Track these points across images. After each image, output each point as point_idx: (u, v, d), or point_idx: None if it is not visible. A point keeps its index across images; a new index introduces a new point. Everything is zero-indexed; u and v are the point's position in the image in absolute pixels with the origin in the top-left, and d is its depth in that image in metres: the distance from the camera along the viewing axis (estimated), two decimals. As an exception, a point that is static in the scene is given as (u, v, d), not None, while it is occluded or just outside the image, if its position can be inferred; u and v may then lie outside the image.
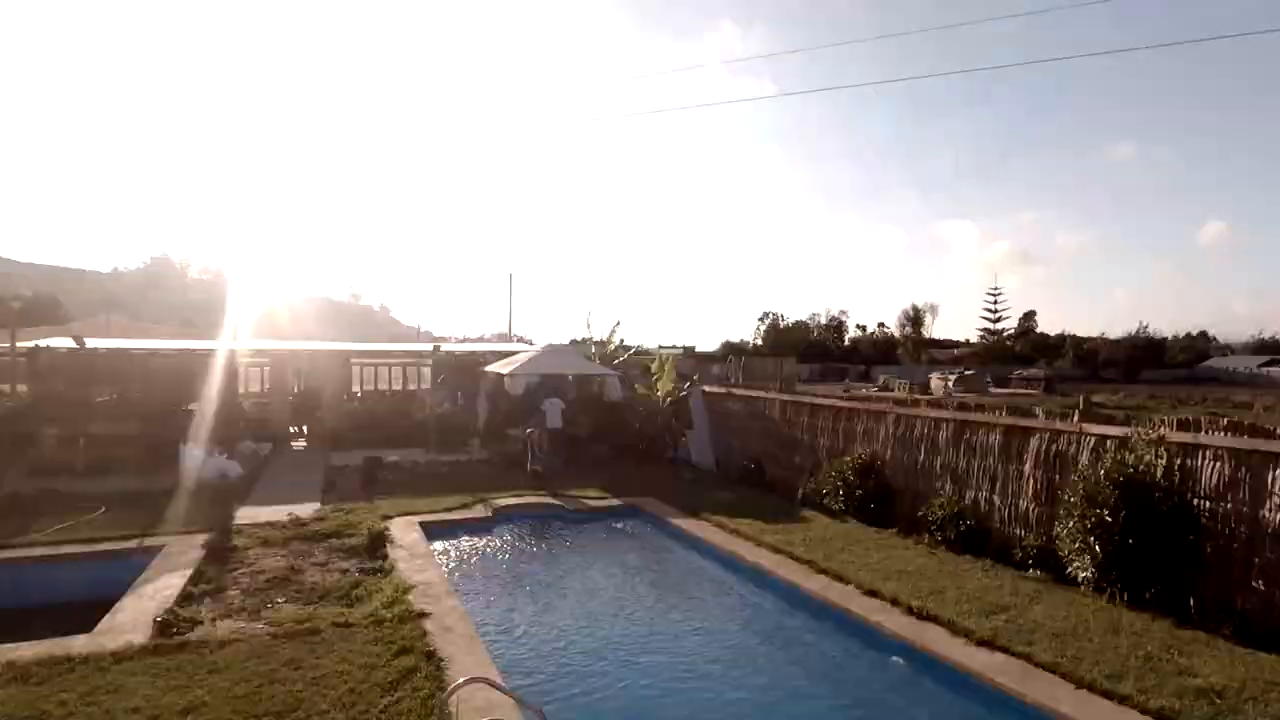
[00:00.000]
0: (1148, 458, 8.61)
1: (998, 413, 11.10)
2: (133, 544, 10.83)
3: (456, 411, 23.12)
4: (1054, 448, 10.04)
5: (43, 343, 19.25)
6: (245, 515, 12.51)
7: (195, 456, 15.94)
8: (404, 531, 11.64)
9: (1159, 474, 8.49)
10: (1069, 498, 8.93)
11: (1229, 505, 8.09)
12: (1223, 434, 8.33)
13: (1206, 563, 8.19)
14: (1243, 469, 7.99)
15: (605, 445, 19.01)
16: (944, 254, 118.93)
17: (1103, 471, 8.67)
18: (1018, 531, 10.38)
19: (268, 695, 6.25)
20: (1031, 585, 9.04)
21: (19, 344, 19.40)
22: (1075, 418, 9.89)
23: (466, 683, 5.08)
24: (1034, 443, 10.31)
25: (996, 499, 10.81)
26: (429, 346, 25.45)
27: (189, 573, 9.44)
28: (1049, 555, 9.58)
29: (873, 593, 8.75)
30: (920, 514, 11.34)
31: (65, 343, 19.63)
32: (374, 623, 7.87)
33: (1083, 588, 8.81)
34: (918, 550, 10.56)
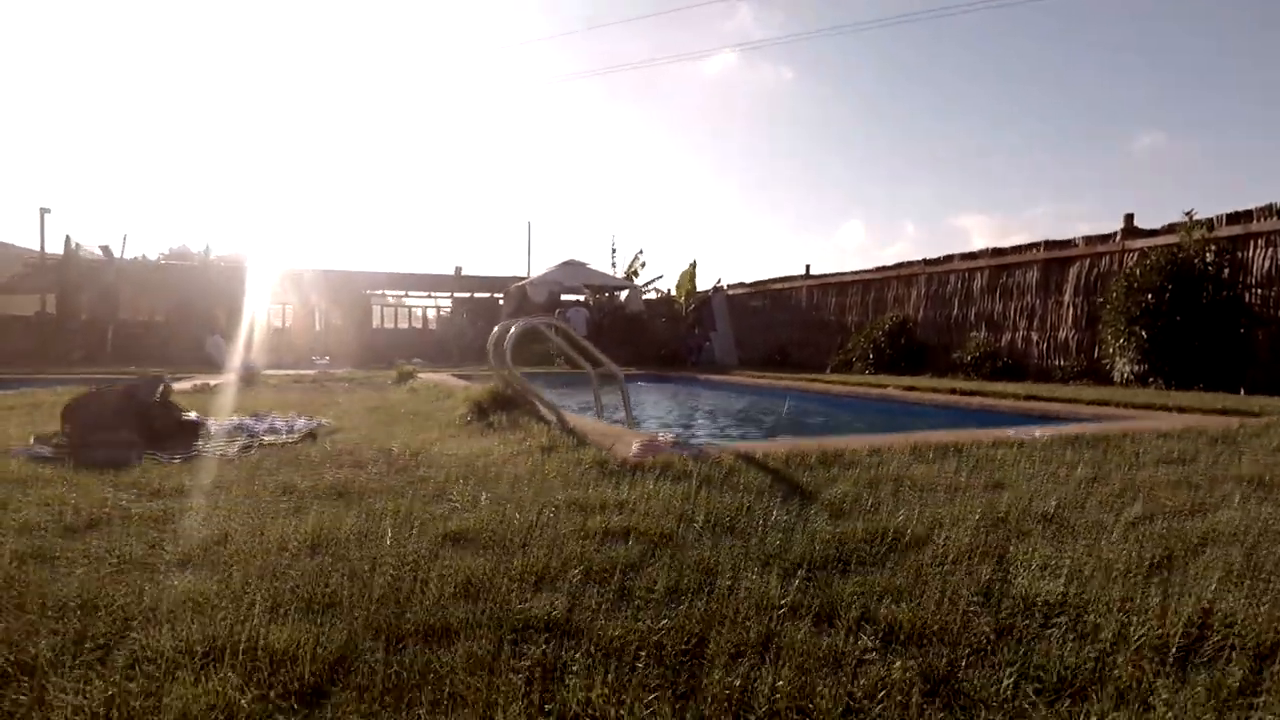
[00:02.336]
0: (1195, 250, 8.42)
1: (1036, 250, 10.92)
2: (156, 371, 10.88)
3: (477, 337, 23.12)
4: (1095, 271, 9.85)
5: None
6: (272, 372, 12.54)
7: (222, 345, 16.00)
8: (431, 375, 11.62)
9: (1209, 262, 8.30)
10: (1114, 294, 8.73)
11: (1281, 288, 7.88)
12: (1276, 218, 8.12)
13: (1258, 350, 7.98)
14: (1296, 247, 7.78)
15: (628, 352, 18.91)
16: (963, 247, 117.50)
17: (1148, 263, 8.47)
18: (1057, 361, 10.18)
19: (305, 402, 6.21)
20: (1072, 388, 8.85)
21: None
22: (1118, 238, 9.69)
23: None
24: (1073, 271, 10.12)
25: (1034, 335, 10.61)
26: (449, 272, 25.42)
27: (220, 381, 9.46)
28: (1090, 373, 9.38)
29: (910, 388, 8.61)
30: (954, 357, 11.16)
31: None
32: (409, 391, 7.85)
33: (1130, 387, 8.61)
34: (953, 381, 10.40)
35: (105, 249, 20.21)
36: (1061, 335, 10.24)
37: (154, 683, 1.22)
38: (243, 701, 1.16)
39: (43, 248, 18.35)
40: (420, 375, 11.60)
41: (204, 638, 1.38)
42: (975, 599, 1.67)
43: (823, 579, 1.80)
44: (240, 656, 1.31)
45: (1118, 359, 8.71)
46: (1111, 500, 2.74)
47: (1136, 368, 8.49)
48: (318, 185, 49.90)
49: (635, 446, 3.42)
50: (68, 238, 18.07)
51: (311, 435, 3.72)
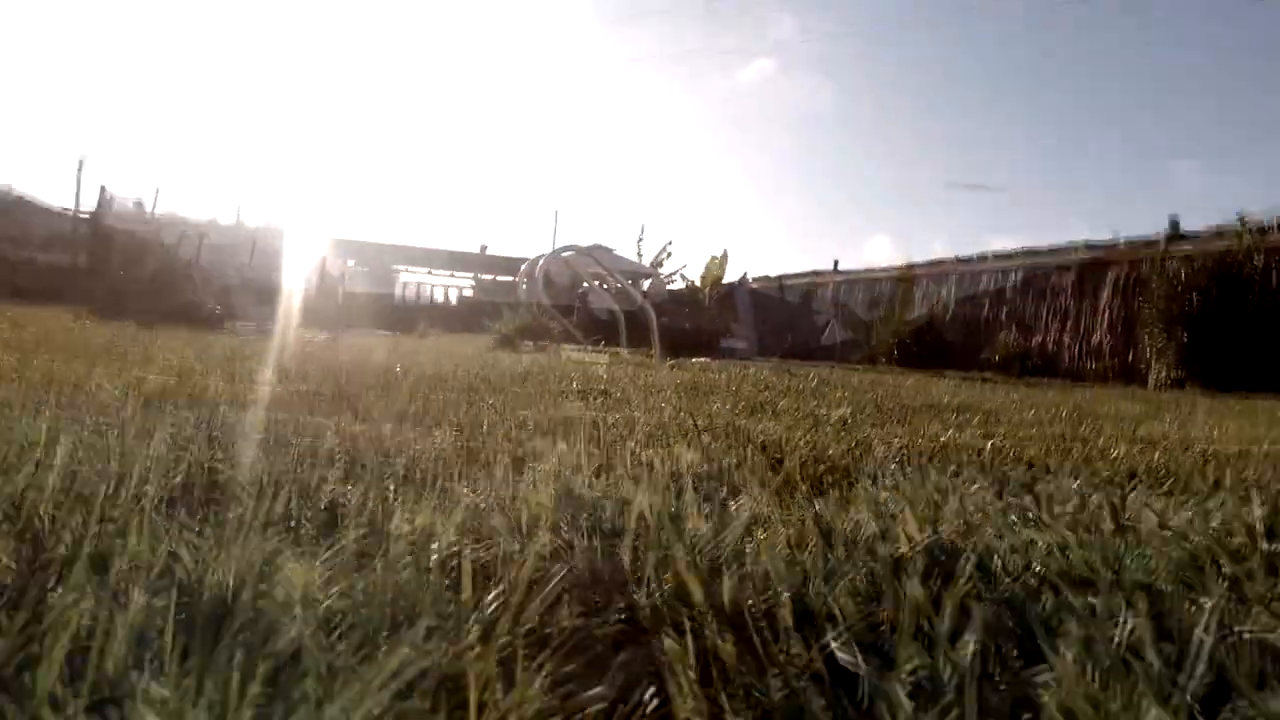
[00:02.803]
0: (1245, 254, 8.22)
1: (1074, 252, 10.72)
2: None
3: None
4: (1134, 276, 9.64)
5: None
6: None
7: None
8: (452, 335, 11.62)
9: (1258, 268, 8.09)
10: (1155, 294, 8.54)
11: (1331, 296, 7.67)
12: (1329, 225, 7.92)
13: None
14: (1350, 255, 7.57)
15: (646, 339, 18.83)
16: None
17: (1195, 266, 8.28)
18: (1089, 365, 9.98)
19: (327, 338, 6.19)
20: (1101, 388, 8.67)
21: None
22: (1162, 243, 9.48)
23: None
24: (1111, 275, 9.93)
25: (1067, 338, 10.42)
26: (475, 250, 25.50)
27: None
28: (1122, 375, 9.19)
29: (939, 375, 8.46)
30: (982, 357, 10.98)
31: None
32: (433, 340, 7.81)
33: (1166, 391, 8.41)
34: (979, 377, 10.23)
35: (138, 204, 20.47)
36: (1095, 339, 10.04)
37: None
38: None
39: (78, 199, 18.58)
40: (445, 340, 11.62)
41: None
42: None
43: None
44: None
45: (1154, 362, 8.52)
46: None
47: (1174, 372, 8.28)
48: (349, 166, 50.29)
49: (668, 360, 3.34)
50: (102, 188, 18.28)
51: (334, 338, 3.67)
